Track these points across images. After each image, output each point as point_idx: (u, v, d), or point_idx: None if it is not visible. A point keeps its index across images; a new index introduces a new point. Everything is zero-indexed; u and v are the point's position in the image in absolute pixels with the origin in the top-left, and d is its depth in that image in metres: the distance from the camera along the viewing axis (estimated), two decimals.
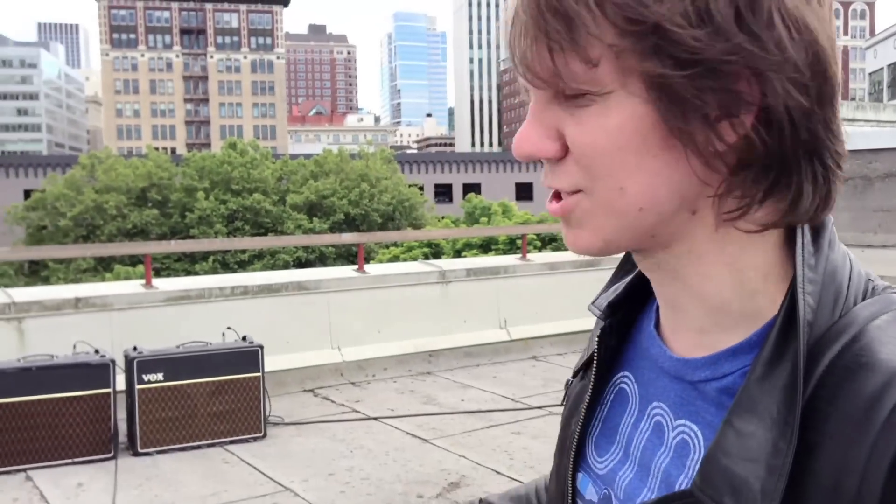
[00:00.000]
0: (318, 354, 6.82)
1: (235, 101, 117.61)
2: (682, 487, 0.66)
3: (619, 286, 0.79)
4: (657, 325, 0.74)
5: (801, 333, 0.59)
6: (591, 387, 0.78)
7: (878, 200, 8.70)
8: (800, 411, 0.57)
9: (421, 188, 55.09)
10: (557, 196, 0.64)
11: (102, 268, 40.83)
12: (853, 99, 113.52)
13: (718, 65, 0.56)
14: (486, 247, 31.41)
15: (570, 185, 0.62)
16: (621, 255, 0.77)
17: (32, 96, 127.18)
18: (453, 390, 6.65)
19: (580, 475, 0.78)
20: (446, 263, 8.14)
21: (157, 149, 55.39)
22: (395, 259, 29.09)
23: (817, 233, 0.64)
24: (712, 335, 0.67)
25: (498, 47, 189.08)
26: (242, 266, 41.34)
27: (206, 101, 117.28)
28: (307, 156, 56.38)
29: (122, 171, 48.63)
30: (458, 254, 30.50)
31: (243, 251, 43.39)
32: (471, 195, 45.12)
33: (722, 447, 0.61)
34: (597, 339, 0.78)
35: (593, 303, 0.82)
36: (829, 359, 0.59)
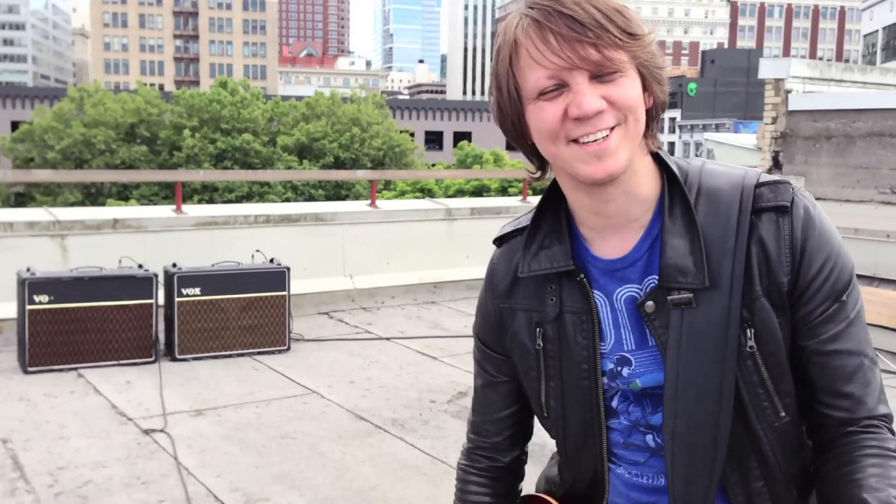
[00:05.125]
0: (332, 281, 7.35)
1: (226, 38, 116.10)
2: None
3: (563, 246, 1.23)
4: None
5: (687, 178, 1.18)
6: (592, 308, 1.22)
7: (858, 158, 9.22)
8: (698, 221, 1.15)
9: (412, 134, 55.14)
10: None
11: (90, 202, 40.96)
12: (846, 61, 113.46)
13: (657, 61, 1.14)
14: (477, 194, 31.84)
15: (613, 122, 1.11)
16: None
17: (18, 26, 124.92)
18: (457, 318, 7.20)
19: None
20: (452, 202, 8.62)
21: (145, 85, 54.80)
22: None
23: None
24: (640, 219, 1.20)
25: None
26: None
27: (195, 37, 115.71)
28: (298, 98, 56.13)
29: (110, 105, 48.28)
30: None
31: (230, 191, 43.74)
32: (463, 143, 45.32)
33: (666, 256, 1.16)
34: (581, 279, 1.22)
35: (529, 271, 1.26)
36: (695, 191, 1.17)
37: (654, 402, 1.20)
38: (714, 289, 1.13)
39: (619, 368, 1.21)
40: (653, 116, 1.16)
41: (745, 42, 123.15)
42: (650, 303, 1.16)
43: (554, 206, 1.25)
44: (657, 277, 1.17)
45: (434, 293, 7.82)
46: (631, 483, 1.26)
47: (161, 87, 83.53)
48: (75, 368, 5.35)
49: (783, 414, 1.15)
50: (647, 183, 1.18)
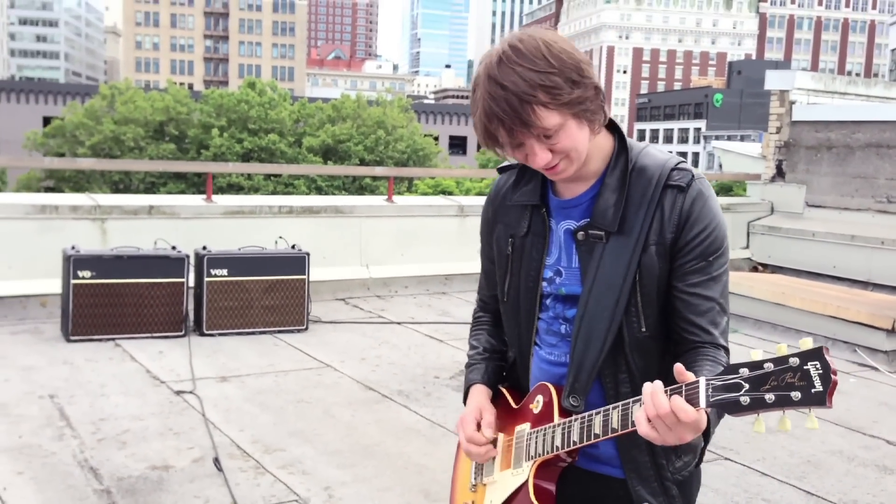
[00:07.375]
0: (349, 270, 7.84)
1: (255, 40, 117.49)
2: None
3: (535, 187, 1.75)
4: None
5: (629, 153, 1.66)
6: (547, 233, 1.74)
7: (857, 168, 9.57)
8: (628, 180, 1.64)
9: (436, 138, 55.74)
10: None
11: None
12: (875, 75, 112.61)
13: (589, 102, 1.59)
14: None
15: (560, 159, 1.59)
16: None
17: (52, 23, 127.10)
18: (465, 307, 7.66)
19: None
20: (465, 199, 9.08)
21: (175, 83, 55.83)
22: None
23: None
24: (589, 179, 1.69)
25: (521, 0, 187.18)
26: None
27: (225, 38, 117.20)
28: (325, 100, 56.86)
29: (140, 103, 49.22)
30: None
31: (256, 189, 44.60)
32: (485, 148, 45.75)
33: (598, 203, 1.66)
34: (543, 212, 1.74)
35: (513, 200, 1.78)
36: (631, 165, 1.65)
37: (571, 302, 1.71)
38: (623, 234, 1.63)
39: (555, 277, 1.73)
40: (596, 115, 1.60)
41: (774, 54, 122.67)
42: (581, 232, 1.68)
43: None
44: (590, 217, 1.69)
45: (445, 284, 8.29)
46: (545, 359, 1.78)
47: (190, 87, 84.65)
48: (113, 339, 5.88)
49: (644, 329, 1.66)
50: (596, 156, 1.64)
